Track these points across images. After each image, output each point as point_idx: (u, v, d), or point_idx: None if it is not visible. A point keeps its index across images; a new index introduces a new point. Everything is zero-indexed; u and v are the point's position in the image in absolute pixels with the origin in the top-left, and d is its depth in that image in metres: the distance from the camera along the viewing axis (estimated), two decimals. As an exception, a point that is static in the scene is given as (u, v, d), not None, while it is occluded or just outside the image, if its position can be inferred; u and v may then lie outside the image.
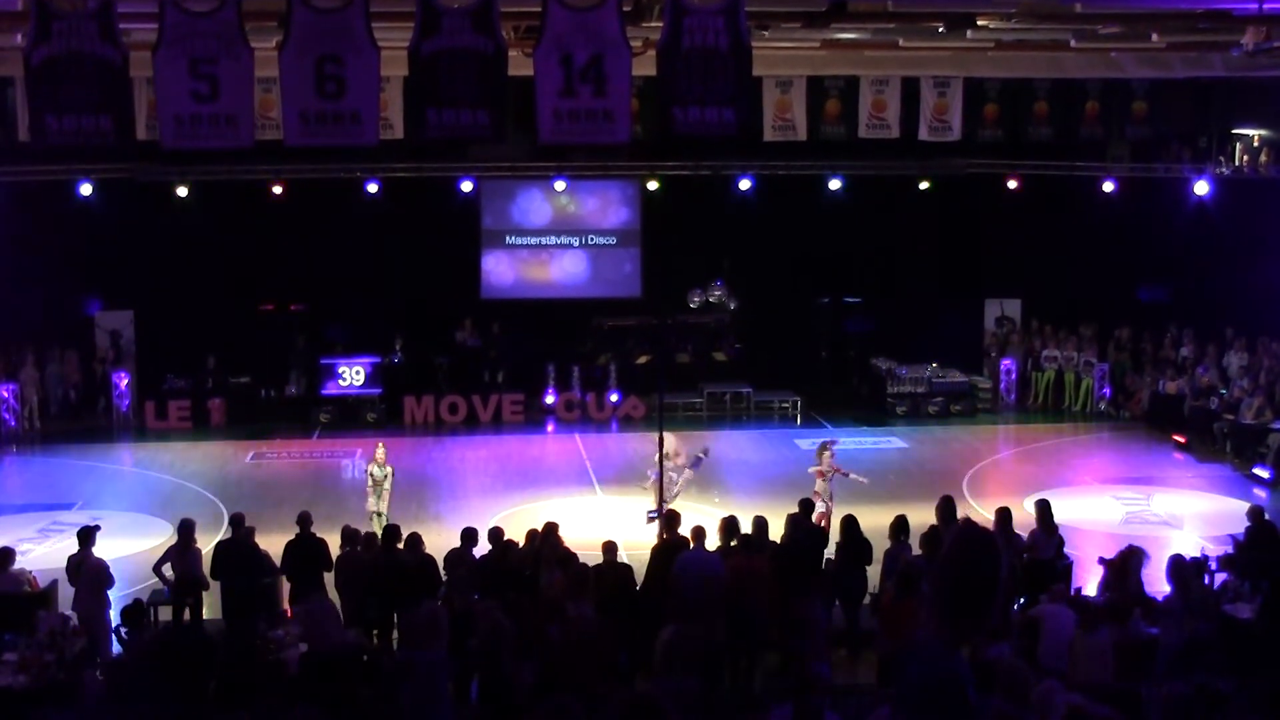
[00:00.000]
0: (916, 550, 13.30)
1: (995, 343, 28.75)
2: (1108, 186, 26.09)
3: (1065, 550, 14.53)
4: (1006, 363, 27.81)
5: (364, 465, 18.25)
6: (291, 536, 13.86)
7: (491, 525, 14.32)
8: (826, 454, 17.62)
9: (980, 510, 17.59)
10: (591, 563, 12.60)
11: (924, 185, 26.65)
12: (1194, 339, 26.30)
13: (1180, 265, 26.01)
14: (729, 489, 20.27)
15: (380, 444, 18.34)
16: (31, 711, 8.98)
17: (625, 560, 13.05)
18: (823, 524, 15.33)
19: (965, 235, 27.21)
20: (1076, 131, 22.56)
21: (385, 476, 17.62)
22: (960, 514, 14.36)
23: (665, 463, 16.79)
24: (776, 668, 12.97)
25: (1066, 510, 16.62)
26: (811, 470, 17.75)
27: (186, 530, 13.91)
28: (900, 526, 13.69)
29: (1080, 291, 27.21)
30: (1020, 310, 29.02)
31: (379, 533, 14.45)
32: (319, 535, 13.90)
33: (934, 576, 4.83)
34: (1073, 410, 27.08)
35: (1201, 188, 24.79)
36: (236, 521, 14.05)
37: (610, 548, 12.88)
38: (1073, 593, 13.39)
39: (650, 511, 16.37)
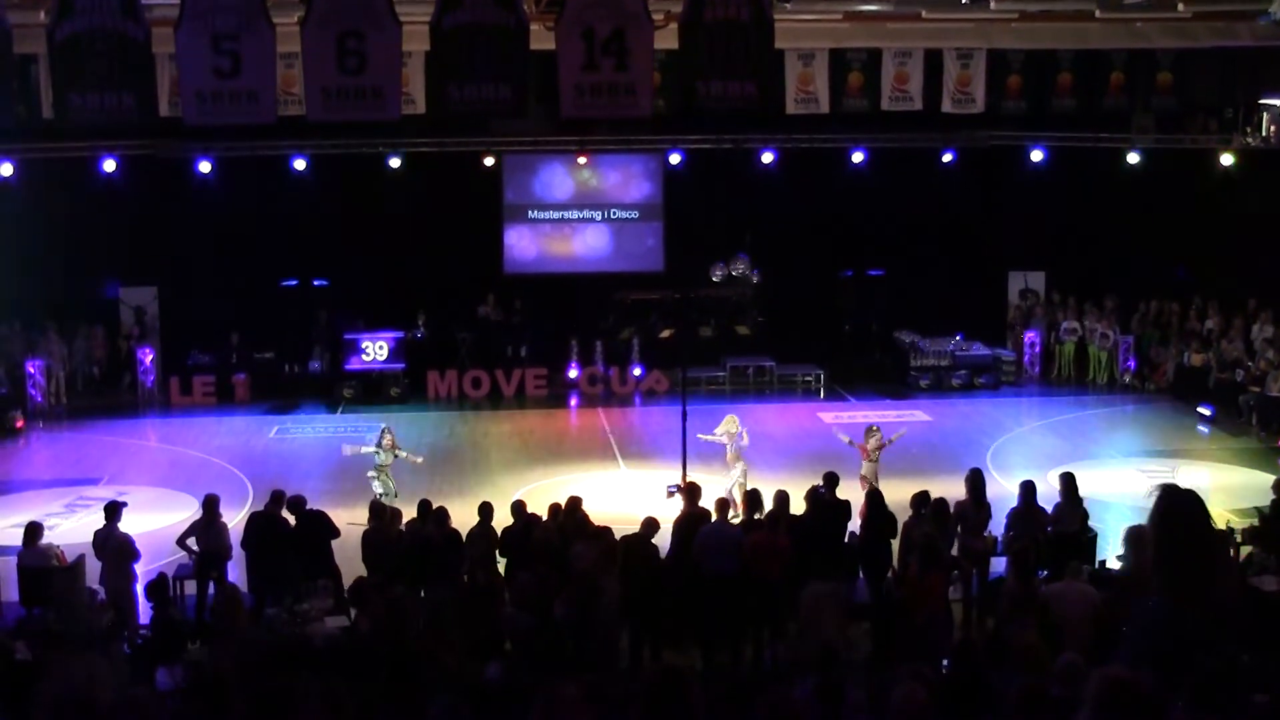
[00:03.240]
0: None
1: (1019, 315, 28.60)
2: (1132, 158, 25.87)
3: (1090, 523, 14.47)
4: (1030, 335, 27.67)
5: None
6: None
7: (515, 499, 14.32)
8: (875, 436, 17.39)
9: (1004, 483, 17.53)
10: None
11: (947, 158, 26.53)
12: (1219, 311, 26.12)
13: (1206, 237, 25.79)
14: (751, 463, 20.26)
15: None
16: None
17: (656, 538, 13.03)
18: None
19: (988, 207, 27.06)
20: (1101, 103, 22.40)
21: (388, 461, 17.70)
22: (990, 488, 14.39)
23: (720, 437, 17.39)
24: (795, 637, 13.01)
25: (1091, 483, 16.53)
26: (859, 446, 17.47)
27: (211, 505, 14.02)
28: (921, 500, 13.69)
29: (1105, 264, 27.05)
30: (1044, 283, 28.87)
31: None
32: (318, 510, 14.06)
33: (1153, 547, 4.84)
34: (1096, 383, 26.97)
35: (1228, 158, 24.58)
36: (277, 498, 14.04)
37: (651, 524, 12.83)
38: (1097, 565, 13.38)
39: (670, 486, 16.39)
